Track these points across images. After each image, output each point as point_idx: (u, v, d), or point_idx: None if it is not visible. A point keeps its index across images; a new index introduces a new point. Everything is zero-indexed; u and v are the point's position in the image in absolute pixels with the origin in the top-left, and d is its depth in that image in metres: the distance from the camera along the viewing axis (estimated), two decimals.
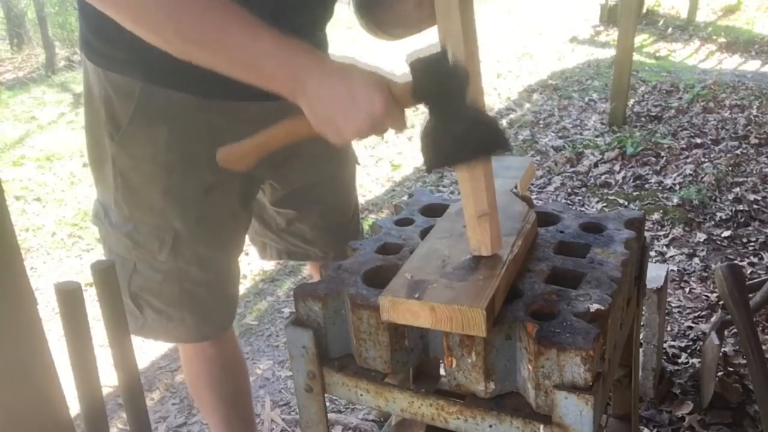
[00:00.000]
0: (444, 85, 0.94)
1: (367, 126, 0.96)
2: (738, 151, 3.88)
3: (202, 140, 1.25)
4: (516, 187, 1.27)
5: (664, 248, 2.97)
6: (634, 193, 3.51)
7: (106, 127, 1.24)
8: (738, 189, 3.42)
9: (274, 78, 0.98)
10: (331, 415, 2.09)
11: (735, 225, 3.12)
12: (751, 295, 1.99)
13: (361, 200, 3.61)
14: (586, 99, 5.16)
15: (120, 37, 1.16)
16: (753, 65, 5.86)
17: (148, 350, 2.53)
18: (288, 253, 1.59)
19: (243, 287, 2.97)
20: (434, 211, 1.36)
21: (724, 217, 3.18)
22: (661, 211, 3.26)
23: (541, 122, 4.74)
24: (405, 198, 3.30)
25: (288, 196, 1.46)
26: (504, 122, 4.85)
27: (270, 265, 3.12)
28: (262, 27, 0.96)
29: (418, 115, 5.11)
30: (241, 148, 1.11)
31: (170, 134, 1.22)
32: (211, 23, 0.95)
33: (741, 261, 2.81)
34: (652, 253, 2.91)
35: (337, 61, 0.99)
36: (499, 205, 1.20)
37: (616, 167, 3.84)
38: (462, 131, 0.94)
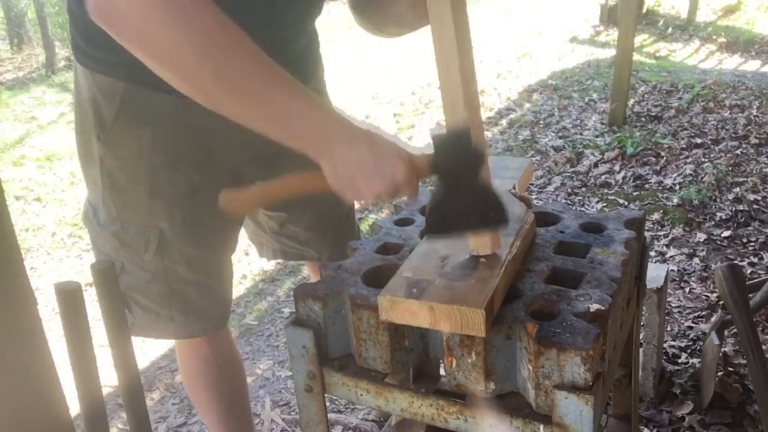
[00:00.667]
0: (462, 163, 0.99)
1: (387, 192, 0.99)
2: (738, 151, 3.88)
3: (186, 141, 1.25)
4: (514, 188, 1.27)
5: (664, 248, 2.96)
6: (634, 193, 3.51)
7: (93, 128, 1.25)
8: (738, 189, 3.42)
9: (304, 138, 0.98)
10: (331, 415, 2.09)
11: (735, 225, 3.12)
12: (751, 295, 1.99)
13: None
14: (586, 99, 5.16)
15: (106, 40, 1.16)
16: (753, 65, 5.86)
17: (148, 350, 2.53)
18: (283, 253, 1.60)
19: (243, 287, 2.97)
20: None
21: (724, 217, 3.18)
22: (661, 211, 3.26)
23: (541, 122, 4.74)
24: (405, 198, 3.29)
25: None
26: (504, 122, 4.85)
27: (270, 265, 3.12)
28: (299, 87, 0.97)
29: (417, 115, 5.12)
30: (245, 194, 1.10)
31: (154, 135, 1.23)
32: (254, 77, 0.94)
33: (741, 261, 2.80)
34: (652, 253, 2.91)
35: (364, 128, 1.01)
36: None
37: (616, 167, 3.84)
38: (469, 204, 1.00)
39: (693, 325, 2.43)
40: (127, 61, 1.15)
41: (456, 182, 1.00)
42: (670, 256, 2.89)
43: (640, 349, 1.98)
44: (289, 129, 0.97)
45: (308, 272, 2.00)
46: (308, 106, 0.97)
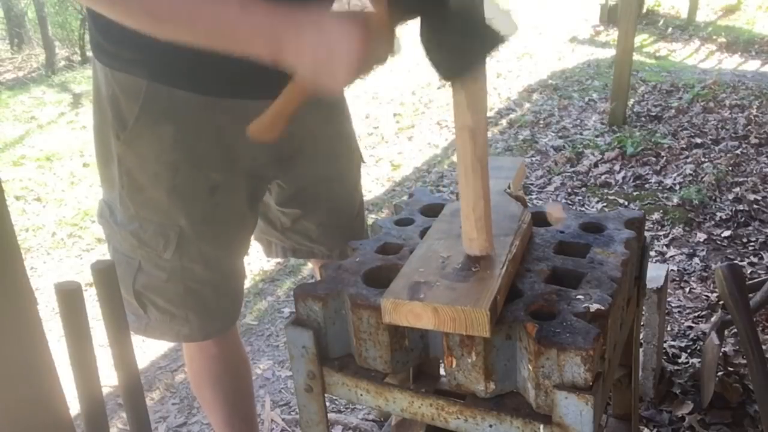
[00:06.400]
0: None
1: (356, 62, 0.95)
2: (738, 151, 3.88)
3: (207, 139, 1.25)
4: (509, 187, 1.27)
5: (664, 248, 2.97)
6: (634, 193, 3.51)
7: (112, 127, 1.24)
8: (738, 189, 3.42)
9: (251, 44, 0.98)
10: (331, 415, 2.09)
11: (735, 225, 3.12)
12: (751, 295, 1.99)
13: None
14: (586, 99, 5.16)
15: (126, 37, 1.16)
16: (753, 65, 5.86)
17: (148, 350, 2.54)
18: (293, 251, 1.59)
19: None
20: (434, 211, 1.36)
21: (724, 217, 3.18)
22: (661, 211, 3.26)
23: (541, 122, 4.74)
24: (405, 198, 3.31)
25: (294, 195, 1.46)
26: (504, 122, 4.85)
27: (270, 265, 3.12)
28: None
29: (417, 115, 5.12)
30: (265, 118, 1.08)
31: (176, 133, 1.23)
32: (180, 2, 0.96)
33: (741, 261, 2.80)
34: (652, 253, 2.91)
35: (310, 11, 0.98)
36: (495, 205, 1.20)
37: (616, 167, 3.84)
38: (455, 40, 0.91)
39: (693, 325, 2.43)
40: (149, 59, 1.16)
41: (428, 17, 0.91)
42: (670, 256, 2.89)
43: (640, 349, 1.98)
44: (234, 40, 0.98)
45: (312, 271, 2.00)
46: (243, 11, 0.96)
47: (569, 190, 3.62)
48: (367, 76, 0.98)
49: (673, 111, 4.65)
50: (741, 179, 3.54)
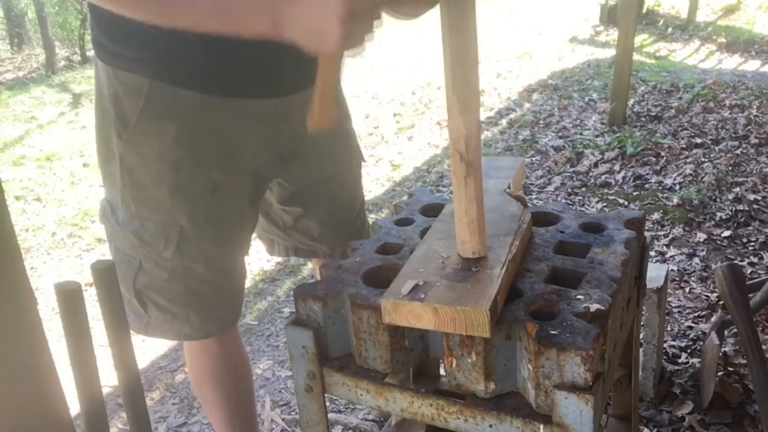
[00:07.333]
0: None
1: (351, 22, 0.92)
2: (738, 151, 3.88)
3: (209, 138, 1.25)
4: (509, 187, 1.27)
5: (664, 248, 2.97)
6: (634, 193, 3.51)
7: (114, 126, 1.24)
8: (738, 189, 3.42)
9: (252, 22, 0.98)
10: (331, 415, 2.10)
11: (735, 225, 3.12)
12: (751, 295, 1.99)
13: None
14: (586, 99, 5.16)
15: (129, 36, 1.16)
16: (753, 65, 5.86)
17: (148, 350, 2.54)
18: (295, 250, 1.60)
19: None
20: (434, 211, 1.36)
21: (724, 217, 3.18)
22: (661, 211, 3.26)
23: (541, 122, 4.74)
24: (405, 198, 3.30)
25: (295, 194, 1.47)
26: (504, 122, 4.85)
27: (270, 265, 3.12)
28: None
29: (417, 115, 5.12)
30: (315, 106, 1.04)
31: (178, 132, 1.23)
32: None
33: (741, 261, 2.80)
34: (652, 253, 2.91)
35: None
36: (494, 206, 1.20)
37: (616, 167, 3.84)
38: None
39: (693, 325, 2.43)
40: (152, 58, 1.16)
41: None
42: (670, 256, 2.89)
43: (640, 349, 1.98)
44: (236, 19, 0.98)
45: (312, 271, 2.00)
46: None
47: (569, 190, 3.62)
48: (359, 45, 0.97)
49: (673, 111, 4.65)
50: (741, 179, 3.54)
